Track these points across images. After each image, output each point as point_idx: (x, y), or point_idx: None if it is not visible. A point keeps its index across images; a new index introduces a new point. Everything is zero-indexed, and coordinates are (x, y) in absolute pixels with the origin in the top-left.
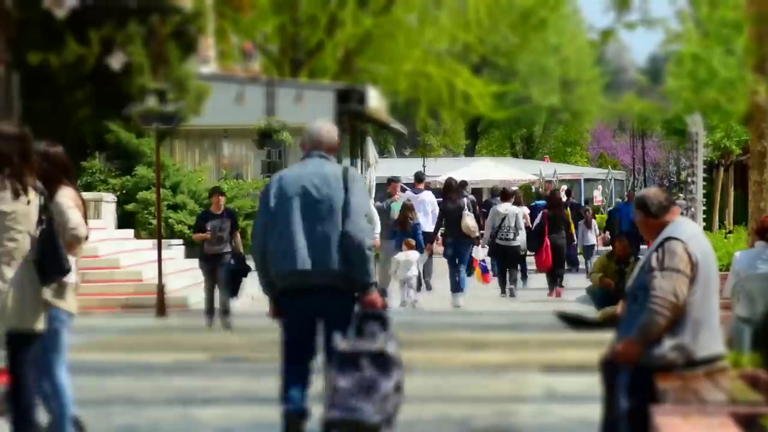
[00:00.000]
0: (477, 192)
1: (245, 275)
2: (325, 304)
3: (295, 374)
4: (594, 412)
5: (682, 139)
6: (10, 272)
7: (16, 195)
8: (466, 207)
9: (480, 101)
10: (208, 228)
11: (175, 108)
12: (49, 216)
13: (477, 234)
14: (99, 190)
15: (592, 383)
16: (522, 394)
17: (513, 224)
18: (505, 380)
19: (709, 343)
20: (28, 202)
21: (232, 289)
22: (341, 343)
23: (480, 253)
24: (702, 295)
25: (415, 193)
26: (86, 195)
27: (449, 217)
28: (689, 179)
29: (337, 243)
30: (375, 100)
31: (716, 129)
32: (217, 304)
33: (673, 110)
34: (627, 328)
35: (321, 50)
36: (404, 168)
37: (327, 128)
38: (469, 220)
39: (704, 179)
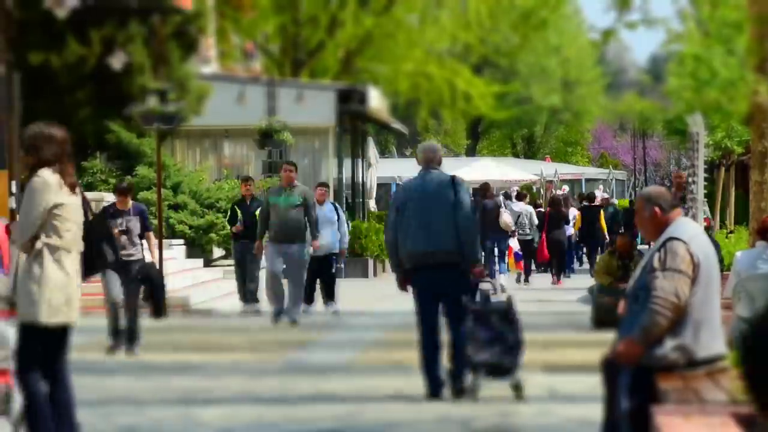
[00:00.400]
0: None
1: (163, 288)
2: (444, 276)
3: (426, 336)
4: (595, 412)
5: (683, 139)
6: (69, 264)
7: (72, 189)
8: (502, 205)
9: (481, 101)
10: (112, 227)
11: (176, 108)
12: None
13: (513, 228)
14: (100, 190)
15: (594, 383)
16: (523, 394)
17: (528, 221)
18: (505, 380)
19: (710, 343)
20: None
21: (155, 307)
22: (472, 304)
23: (515, 244)
24: (703, 296)
25: None
26: (87, 195)
27: (488, 214)
28: (690, 179)
29: (449, 230)
30: (376, 100)
31: (717, 129)
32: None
33: (674, 110)
34: (628, 328)
35: (322, 50)
36: (405, 168)
37: (434, 148)
38: (506, 217)
39: (705, 179)
